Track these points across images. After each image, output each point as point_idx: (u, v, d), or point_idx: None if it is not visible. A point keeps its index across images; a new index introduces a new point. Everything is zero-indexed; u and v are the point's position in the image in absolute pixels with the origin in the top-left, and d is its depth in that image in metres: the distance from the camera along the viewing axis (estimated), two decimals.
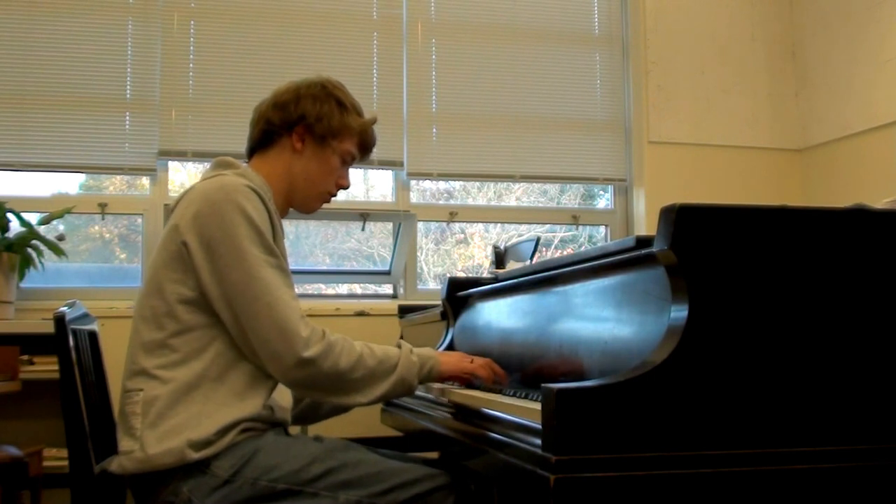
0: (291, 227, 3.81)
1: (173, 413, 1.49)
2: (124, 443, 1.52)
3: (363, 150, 1.82)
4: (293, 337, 1.49)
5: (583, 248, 3.47)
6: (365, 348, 1.58)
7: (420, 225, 3.66)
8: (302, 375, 1.51)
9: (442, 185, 3.89)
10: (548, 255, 3.82)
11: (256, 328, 1.50)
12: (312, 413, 1.92)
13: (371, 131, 1.83)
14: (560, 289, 1.63)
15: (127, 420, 1.53)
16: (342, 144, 1.76)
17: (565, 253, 3.52)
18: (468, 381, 1.74)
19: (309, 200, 1.79)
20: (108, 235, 3.54)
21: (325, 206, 1.82)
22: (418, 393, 1.96)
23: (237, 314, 1.51)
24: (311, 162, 1.74)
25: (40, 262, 2.96)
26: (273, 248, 1.56)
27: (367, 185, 3.85)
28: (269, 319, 1.49)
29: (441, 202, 3.83)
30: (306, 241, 3.87)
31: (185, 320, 1.53)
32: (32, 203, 3.19)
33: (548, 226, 3.97)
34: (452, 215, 3.68)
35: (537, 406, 1.17)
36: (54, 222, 3.08)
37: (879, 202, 1.64)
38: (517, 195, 4.05)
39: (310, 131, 1.73)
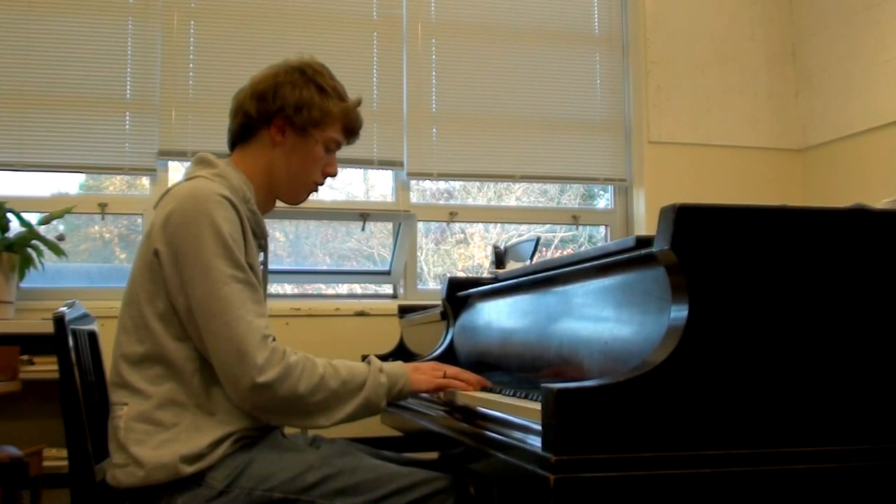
0: (291, 227, 3.81)
1: (162, 428, 1.47)
2: (116, 456, 1.51)
3: (348, 134, 1.75)
4: (248, 360, 1.43)
5: (583, 248, 3.47)
6: (328, 368, 1.50)
7: (420, 225, 3.66)
8: (258, 400, 1.45)
9: (442, 185, 3.89)
10: (548, 255, 3.82)
11: (214, 348, 1.46)
12: None
13: (356, 114, 1.75)
14: (560, 289, 1.63)
15: (116, 434, 1.51)
16: (325, 132, 1.70)
17: (565, 253, 3.52)
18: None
19: (295, 192, 1.74)
20: (108, 235, 3.54)
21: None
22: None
23: (200, 331, 1.48)
24: (294, 154, 1.69)
25: (40, 262, 2.96)
26: (240, 262, 1.50)
27: (367, 185, 3.85)
28: (226, 340, 1.44)
29: (441, 202, 3.83)
30: (306, 241, 3.87)
31: (162, 335, 1.51)
32: (32, 203, 3.20)
33: (548, 226, 3.97)
34: (452, 215, 3.68)
35: (537, 406, 1.17)
36: (54, 222, 3.08)
37: (879, 202, 1.64)
38: (517, 195, 4.05)
39: (289, 123, 1.67)
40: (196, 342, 1.50)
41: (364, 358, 1.64)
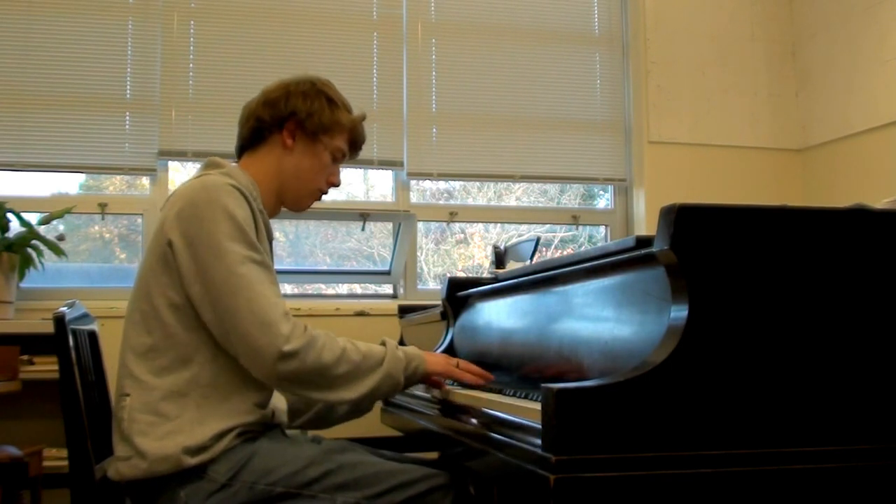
0: (291, 227, 3.81)
1: (165, 420, 1.48)
2: (119, 448, 1.52)
3: (353, 147, 1.82)
4: (274, 331, 1.45)
5: (583, 248, 3.47)
6: (348, 343, 1.54)
7: (420, 225, 3.66)
8: (285, 370, 1.46)
9: (442, 185, 3.89)
10: (548, 255, 3.82)
11: (237, 324, 1.47)
12: (326, 417, 1.91)
13: (361, 128, 1.82)
14: (560, 289, 1.63)
15: (120, 425, 1.52)
16: (333, 141, 1.76)
17: (565, 253, 3.52)
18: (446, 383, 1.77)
19: (300, 198, 1.78)
20: (108, 235, 3.54)
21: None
22: (418, 393, 1.96)
23: (218, 312, 1.49)
24: (303, 159, 1.74)
25: (40, 262, 2.96)
26: (255, 244, 1.53)
27: (367, 185, 3.85)
28: (249, 314, 1.46)
29: (441, 202, 3.83)
30: (306, 241, 3.87)
31: (173, 325, 1.52)
32: (32, 203, 3.19)
33: (548, 226, 3.97)
34: (452, 215, 3.68)
35: (537, 406, 1.17)
36: (54, 222, 3.08)
37: (879, 202, 1.64)
38: (517, 195, 4.05)
39: (301, 127, 1.72)
40: (213, 327, 1.51)
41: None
